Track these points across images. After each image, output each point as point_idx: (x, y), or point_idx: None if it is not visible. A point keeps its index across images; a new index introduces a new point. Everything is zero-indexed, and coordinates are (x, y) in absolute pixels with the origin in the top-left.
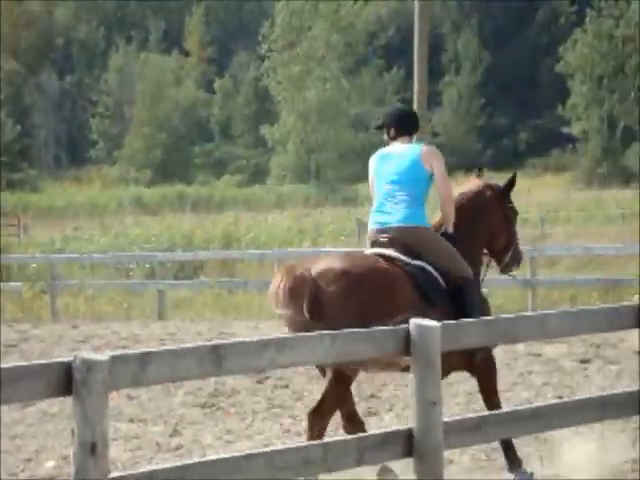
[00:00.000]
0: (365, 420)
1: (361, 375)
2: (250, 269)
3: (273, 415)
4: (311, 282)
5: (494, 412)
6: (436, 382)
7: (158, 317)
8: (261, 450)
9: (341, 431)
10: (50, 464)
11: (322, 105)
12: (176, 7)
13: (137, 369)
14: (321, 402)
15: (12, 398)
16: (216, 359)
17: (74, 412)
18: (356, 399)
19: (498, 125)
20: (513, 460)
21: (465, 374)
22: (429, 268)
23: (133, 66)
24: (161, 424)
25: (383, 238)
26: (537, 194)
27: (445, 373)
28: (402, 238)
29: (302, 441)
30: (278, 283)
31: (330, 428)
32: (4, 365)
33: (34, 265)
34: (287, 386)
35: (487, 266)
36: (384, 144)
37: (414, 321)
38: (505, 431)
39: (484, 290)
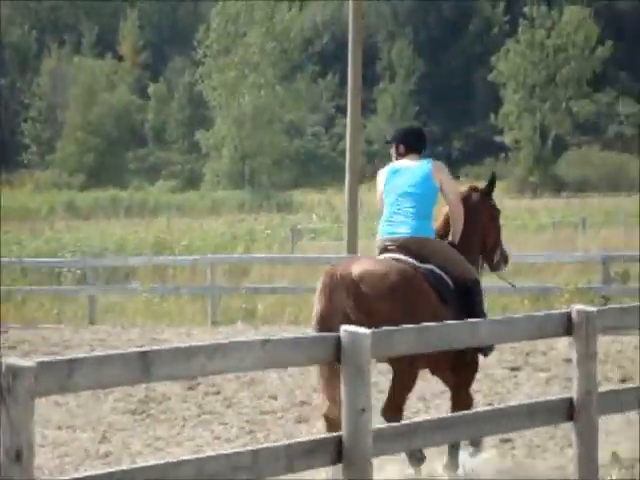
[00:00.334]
0: (296, 427)
1: (291, 383)
2: (182, 275)
3: (204, 422)
4: (352, 283)
5: (425, 419)
6: (366, 389)
7: (89, 323)
8: (191, 457)
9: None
10: None
11: (257, 111)
12: (110, 11)
13: (64, 375)
14: (390, 398)
15: None
16: (144, 366)
17: None
18: (287, 406)
19: (432, 133)
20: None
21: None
22: (437, 270)
23: (66, 70)
24: (90, 431)
25: (391, 246)
26: None
27: (436, 369)
28: (410, 246)
29: (232, 447)
30: (322, 285)
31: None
32: None
33: None
34: (218, 393)
35: (482, 266)
36: (390, 159)
37: (345, 328)
38: (436, 438)
39: None
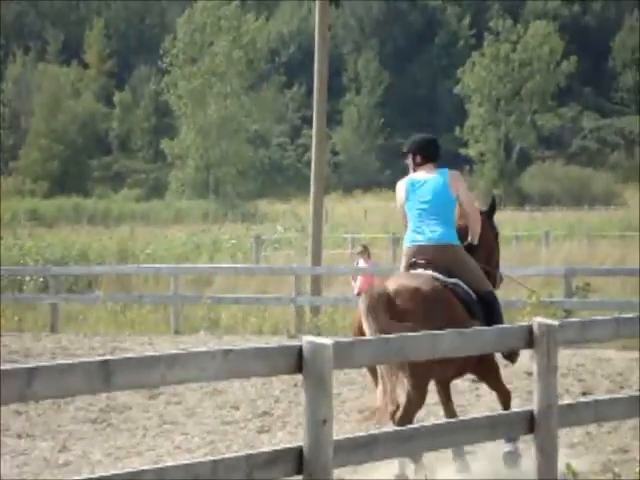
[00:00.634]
0: (257, 437)
1: (254, 393)
2: (146, 284)
3: (165, 431)
4: (387, 298)
5: (385, 430)
6: (327, 400)
7: (50, 331)
8: (150, 467)
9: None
10: None
11: (222, 120)
12: (76, 18)
13: (23, 384)
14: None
15: None
16: (105, 375)
17: None
18: (249, 416)
19: (397, 145)
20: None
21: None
22: (462, 284)
23: (31, 77)
24: (50, 440)
25: (421, 260)
26: None
27: (460, 373)
28: (439, 258)
29: (193, 458)
30: (365, 309)
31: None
32: None
33: None
34: (180, 402)
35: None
36: (407, 169)
37: (306, 339)
38: (396, 449)
39: None
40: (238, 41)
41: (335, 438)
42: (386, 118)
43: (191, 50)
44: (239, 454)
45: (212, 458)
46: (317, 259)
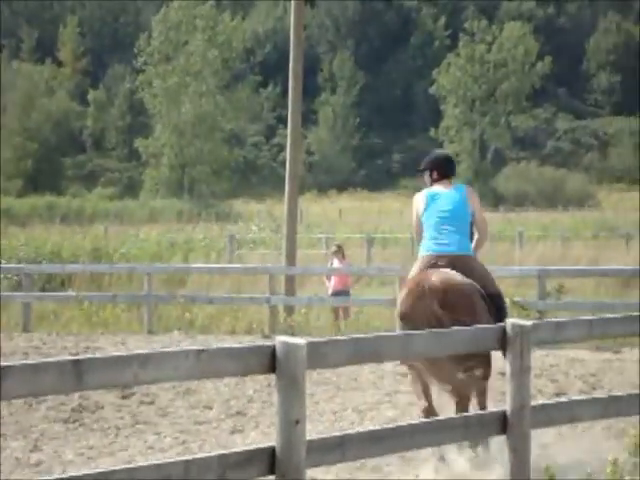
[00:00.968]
0: (230, 437)
1: (227, 393)
2: (119, 283)
3: (137, 431)
4: (438, 290)
5: (357, 431)
6: (300, 400)
7: (23, 330)
8: (122, 467)
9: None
10: None
11: (197, 119)
12: (50, 17)
13: None
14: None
15: None
16: (77, 374)
17: None
18: (222, 416)
19: (372, 145)
20: None
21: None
22: (478, 287)
23: (4, 74)
24: (21, 439)
25: (441, 262)
26: (409, 216)
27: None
28: (455, 263)
29: (166, 457)
30: (407, 291)
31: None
32: None
33: None
34: (153, 402)
35: None
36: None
37: (280, 339)
38: (368, 450)
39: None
40: (213, 40)
41: (308, 438)
42: (361, 118)
43: (166, 49)
44: (212, 454)
45: (185, 458)
46: (291, 259)
